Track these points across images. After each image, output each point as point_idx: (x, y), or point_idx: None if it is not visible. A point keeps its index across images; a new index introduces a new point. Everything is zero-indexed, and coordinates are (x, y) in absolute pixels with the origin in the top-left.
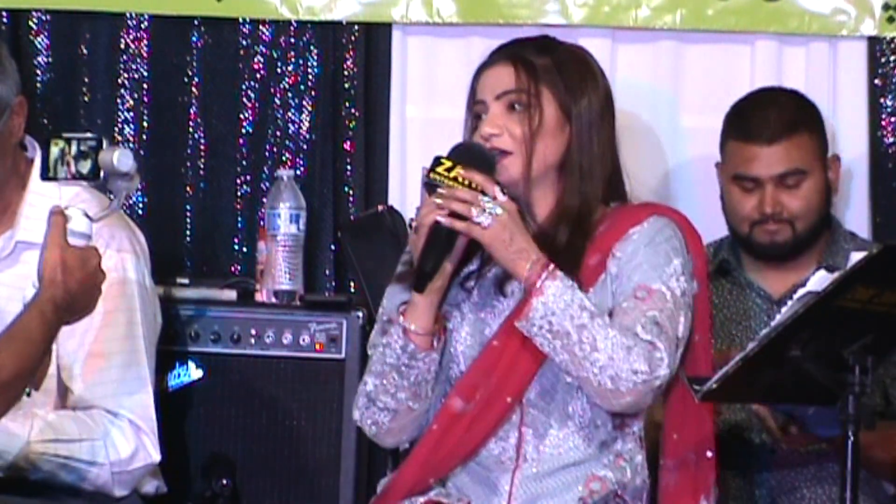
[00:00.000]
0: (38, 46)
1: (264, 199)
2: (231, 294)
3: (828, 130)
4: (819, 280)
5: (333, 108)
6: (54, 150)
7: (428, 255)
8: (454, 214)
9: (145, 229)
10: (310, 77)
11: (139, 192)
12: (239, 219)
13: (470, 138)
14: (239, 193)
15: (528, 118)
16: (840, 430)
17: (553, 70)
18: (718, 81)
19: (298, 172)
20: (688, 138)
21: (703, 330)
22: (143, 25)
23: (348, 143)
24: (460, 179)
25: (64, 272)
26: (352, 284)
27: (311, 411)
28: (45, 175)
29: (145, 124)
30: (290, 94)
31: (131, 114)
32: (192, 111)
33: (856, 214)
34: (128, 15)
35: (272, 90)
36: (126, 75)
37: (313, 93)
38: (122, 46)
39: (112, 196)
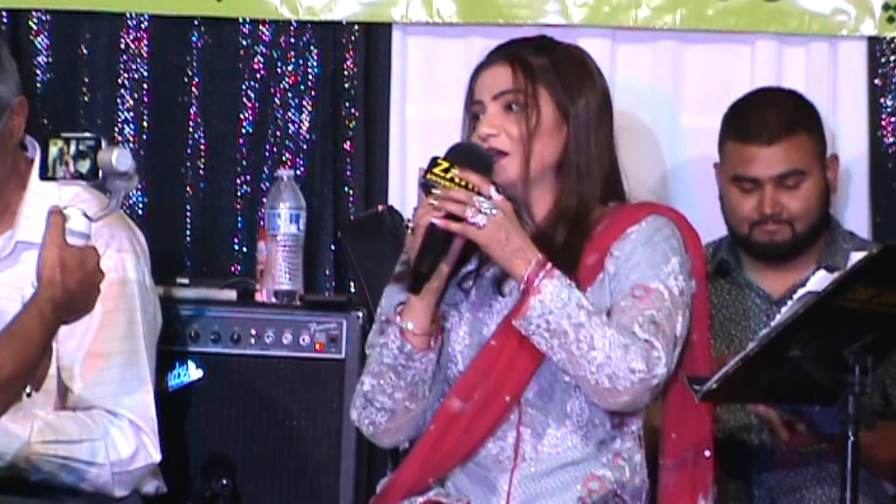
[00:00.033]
0: (38, 46)
1: (264, 199)
2: (231, 294)
3: (828, 130)
4: (819, 280)
5: (333, 108)
6: (53, 150)
7: (424, 257)
8: (450, 216)
9: (145, 229)
10: (310, 77)
11: (139, 192)
12: (239, 219)
13: (468, 138)
14: (239, 193)
15: (526, 118)
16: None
17: (550, 70)
18: (718, 81)
19: (298, 172)
20: (688, 138)
21: (702, 329)
22: (143, 25)
23: (348, 143)
24: (456, 180)
25: (63, 272)
26: (352, 284)
27: (311, 411)
28: (44, 175)
29: (145, 124)
30: (290, 94)
31: (131, 114)
32: (192, 111)
33: (856, 214)
34: (128, 15)
35: (272, 90)
36: (126, 75)
37: (313, 93)
38: (122, 46)
39: (111, 195)
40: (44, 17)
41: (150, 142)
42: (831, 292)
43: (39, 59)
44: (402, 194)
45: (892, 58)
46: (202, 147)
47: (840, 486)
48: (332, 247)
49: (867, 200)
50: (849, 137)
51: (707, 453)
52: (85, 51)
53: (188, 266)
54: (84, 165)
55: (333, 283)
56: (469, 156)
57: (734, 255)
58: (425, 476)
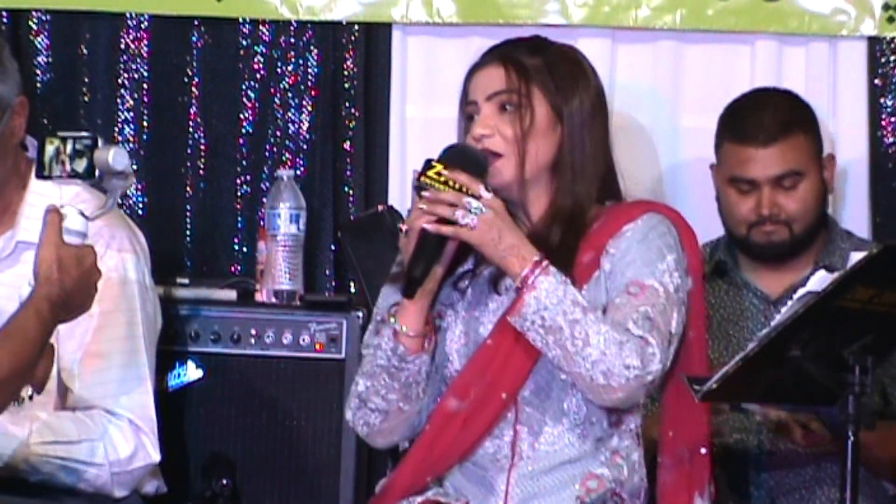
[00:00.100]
0: (38, 46)
1: (264, 199)
2: (231, 294)
3: (828, 130)
4: (819, 280)
5: (333, 108)
6: (49, 149)
7: (417, 262)
8: (442, 219)
9: (145, 229)
10: (310, 77)
11: (139, 192)
12: (239, 219)
13: (463, 139)
14: (239, 193)
15: (520, 119)
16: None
17: (544, 70)
18: (718, 81)
19: (298, 172)
20: (688, 138)
21: (698, 326)
22: (143, 25)
23: (348, 143)
24: (450, 183)
25: (60, 270)
26: (352, 284)
27: (311, 411)
28: (41, 174)
29: (145, 124)
30: (290, 94)
31: (131, 114)
32: (192, 111)
33: (856, 214)
34: (128, 15)
35: (272, 90)
36: (126, 75)
37: (313, 93)
38: (122, 46)
39: (108, 194)
40: (44, 17)
41: (150, 142)
42: (831, 292)
43: (39, 59)
44: (402, 194)
45: (892, 58)
46: (202, 147)
47: (840, 487)
48: (332, 247)
49: (867, 200)
50: (849, 137)
51: (703, 451)
52: (85, 51)
53: (188, 266)
54: (81, 164)
55: (333, 283)
56: (464, 158)
57: (731, 255)
58: (423, 476)
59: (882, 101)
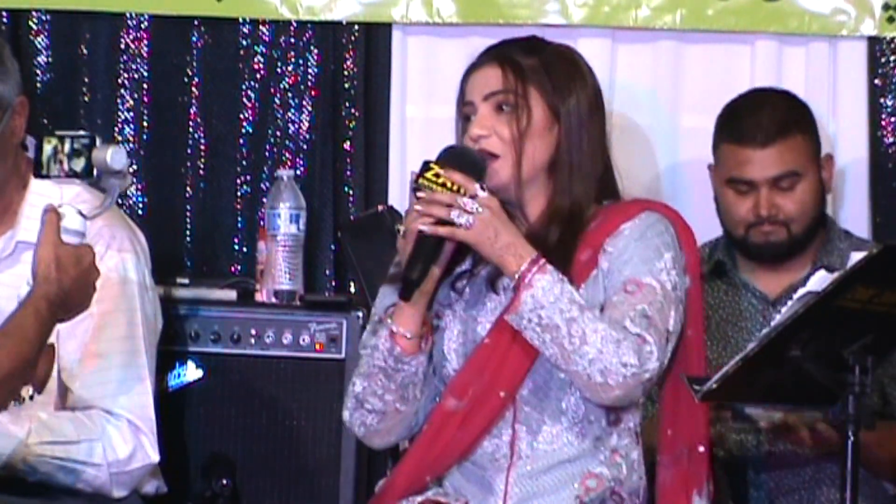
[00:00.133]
0: (38, 46)
1: (264, 199)
2: (231, 294)
3: (828, 130)
4: (819, 280)
5: (333, 108)
6: (47, 148)
7: (414, 264)
8: (440, 220)
9: (145, 229)
10: (310, 77)
11: (139, 192)
12: (239, 219)
13: (460, 140)
14: (239, 193)
15: (516, 119)
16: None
17: (540, 70)
18: (718, 81)
19: (298, 172)
20: (688, 138)
21: (696, 325)
22: (143, 25)
23: (348, 143)
24: (448, 184)
25: (58, 269)
26: (352, 284)
27: (311, 411)
28: (38, 173)
29: (145, 124)
30: (290, 94)
31: (131, 114)
32: (192, 111)
33: (856, 214)
34: (128, 15)
35: (272, 90)
36: (126, 75)
37: (313, 93)
38: (122, 46)
39: (106, 193)
40: (44, 17)
41: (150, 142)
42: (831, 292)
43: (39, 59)
44: (402, 194)
45: (892, 58)
46: (202, 147)
47: (840, 487)
48: (332, 247)
49: (867, 200)
50: (849, 137)
51: (701, 449)
52: (85, 51)
53: (188, 266)
54: (79, 164)
55: (333, 283)
56: (461, 159)
57: (730, 255)
58: (422, 475)
59: (882, 101)
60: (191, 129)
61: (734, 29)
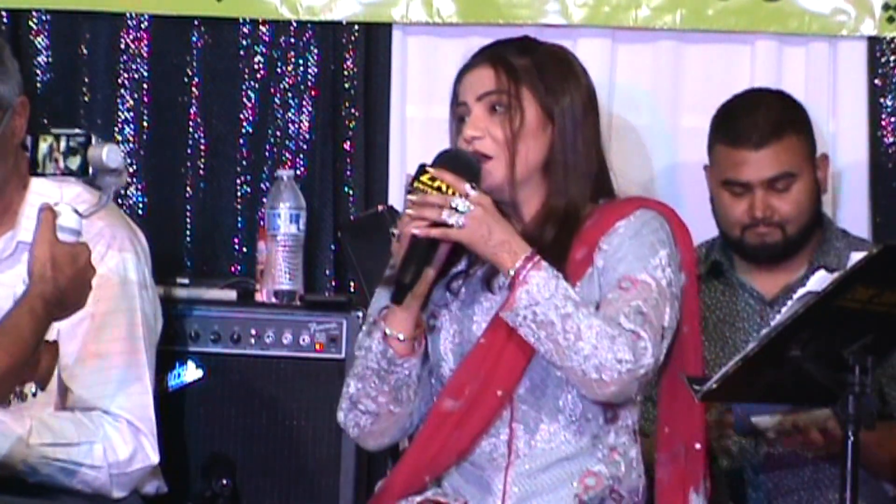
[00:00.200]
0: (38, 46)
1: (264, 199)
2: (231, 294)
3: (828, 130)
4: (819, 280)
5: (333, 108)
6: (42, 147)
7: (406, 268)
8: (433, 223)
9: (145, 229)
10: (310, 77)
11: (139, 192)
12: (239, 219)
13: (455, 140)
14: (239, 193)
15: (510, 120)
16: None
17: (533, 70)
18: (718, 81)
19: (298, 172)
20: (687, 139)
21: (692, 322)
22: (143, 25)
23: (348, 143)
24: (441, 187)
25: (54, 268)
26: (352, 284)
27: (311, 411)
28: (34, 171)
29: (145, 124)
30: (290, 94)
31: (131, 114)
32: (192, 111)
33: (856, 214)
34: (128, 15)
35: (272, 90)
36: (126, 75)
37: (313, 93)
38: (122, 46)
39: (101, 192)
40: (44, 17)
41: (150, 142)
42: (831, 292)
43: (39, 59)
44: (402, 194)
45: (892, 58)
46: (202, 147)
47: (840, 487)
48: (332, 247)
49: (867, 200)
50: (849, 137)
51: (698, 446)
52: (85, 51)
53: (188, 266)
54: (74, 162)
55: (333, 283)
56: (456, 162)
57: (727, 256)
58: (421, 476)
59: (882, 101)
60: (191, 129)
61: (734, 29)
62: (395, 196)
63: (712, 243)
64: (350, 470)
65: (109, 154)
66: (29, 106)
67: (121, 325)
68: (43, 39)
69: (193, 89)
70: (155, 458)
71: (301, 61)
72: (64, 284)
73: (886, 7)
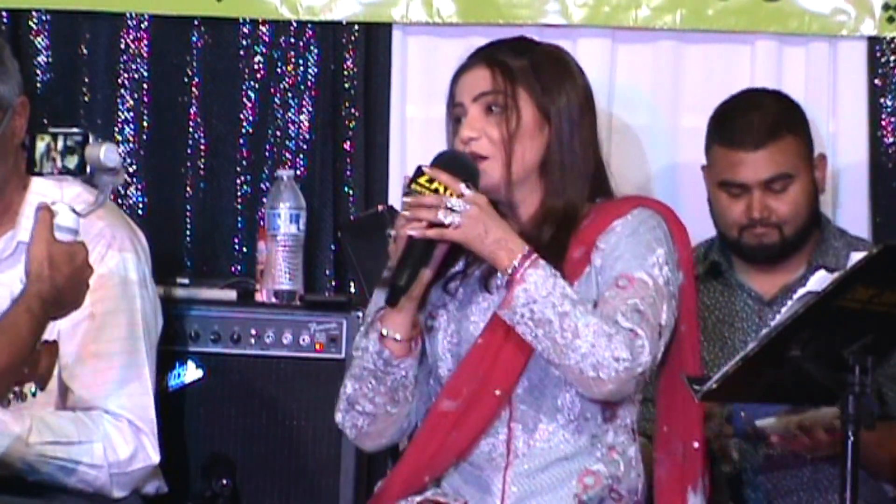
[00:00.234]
0: (38, 46)
1: (264, 199)
2: (231, 294)
3: (828, 130)
4: (819, 280)
5: (333, 108)
6: (40, 146)
7: (401, 270)
8: (429, 224)
9: (145, 229)
10: (310, 77)
11: (139, 192)
12: (239, 219)
13: (451, 141)
14: (239, 193)
15: (506, 120)
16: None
17: (529, 71)
18: (718, 81)
19: (298, 172)
20: (687, 139)
21: (690, 320)
22: (143, 25)
23: (348, 143)
24: (439, 189)
25: (51, 267)
26: (352, 284)
27: (311, 411)
28: (31, 170)
29: (145, 124)
30: (290, 94)
31: (131, 114)
32: (192, 111)
33: (856, 214)
34: (128, 15)
35: (272, 90)
36: (126, 75)
37: (313, 93)
38: (122, 46)
39: (98, 191)
40: (44, 17)
41: (150, 142)
42: (831, 292)
43: (39, 59)
44: (402, 195)
45: (892, 58)
46: (202, 147)
47: (840, 487)
48: (332, 247)
49: (867, 200)
50: (849, 137)
51: (696, 445)
52: (85, 51)
53: (188, 266)
54: (72, 161)
55: (333, 283)
56: (454, 164)
57: (725, 256)
58: (420, 476)
59: (882, 101)
60: (191, 129)
61: (734, 29)
62: (395, 196)
63: (710, 243)
64: (350, 470)
65: (107, 153)
66: (29, 106)
67: (121, 324)
68: (43, 39)
69: (193, 89)
70: (156, 457)
71: (301, 61)
72: (61, 283)
73: (886, 7)
